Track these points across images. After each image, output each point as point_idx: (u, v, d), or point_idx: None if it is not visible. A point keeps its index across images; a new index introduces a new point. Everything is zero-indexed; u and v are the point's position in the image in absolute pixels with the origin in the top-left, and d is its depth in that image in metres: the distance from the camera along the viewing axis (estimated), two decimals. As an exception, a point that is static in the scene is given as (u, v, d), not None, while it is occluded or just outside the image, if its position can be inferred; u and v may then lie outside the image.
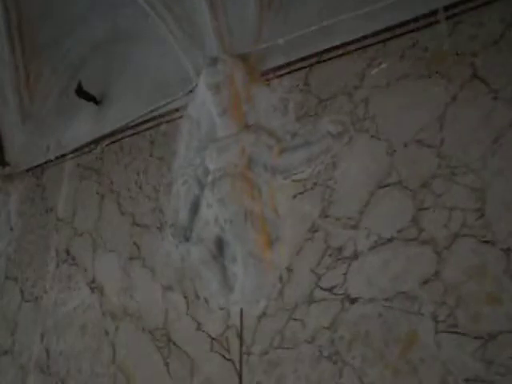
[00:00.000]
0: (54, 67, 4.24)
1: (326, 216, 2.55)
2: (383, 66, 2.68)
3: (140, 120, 3.58)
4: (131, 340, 2.96)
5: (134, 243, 3.20)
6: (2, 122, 4.33)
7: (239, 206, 2.71)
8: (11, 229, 3.99)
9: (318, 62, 2.90)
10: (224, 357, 2.60)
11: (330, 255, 2.47)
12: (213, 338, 2.67)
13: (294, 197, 2.69)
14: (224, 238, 2.77)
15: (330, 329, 2.34)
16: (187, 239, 2.96)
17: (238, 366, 2.53)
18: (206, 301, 2.77)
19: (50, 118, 4.23)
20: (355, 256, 2.40)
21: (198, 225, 2.92)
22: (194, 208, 3.00)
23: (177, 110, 3.38)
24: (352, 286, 2.36)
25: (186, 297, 2.85)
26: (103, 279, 3.26)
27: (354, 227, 2.44)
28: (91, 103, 3.91)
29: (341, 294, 2.38)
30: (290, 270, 2.57)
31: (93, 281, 3.31)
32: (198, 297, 2.81)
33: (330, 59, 2.88)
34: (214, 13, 3.19)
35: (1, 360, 3.59)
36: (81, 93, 3.83)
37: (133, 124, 3.59)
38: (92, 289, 3.28)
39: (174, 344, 2.79)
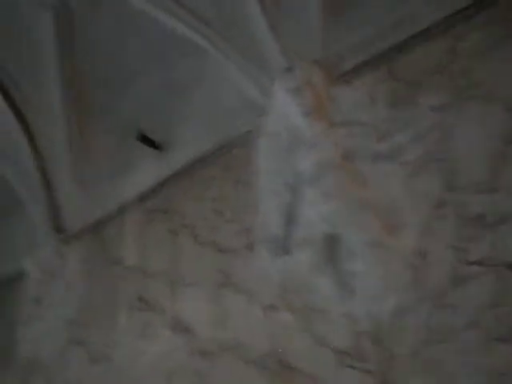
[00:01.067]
0: (107, 124, 4.17)
1: (453, 188, 2.26)
2: (475, 36, 2.57)
3: (208, 152, 3.41)
4: (232, 375, 2.48)
5: (221, 271, 2.85)
6: (56, 186, 4.17)
7: (349, 195, 2.43)
8: (73, 291, 3.63)
9: (401, 51, 2.80)
10: (360, 369, 2.13)
11: (470, 225, 2.12)
12: (341, 352, 2.21)
13: (409, 178, 2.41)
14: (335, 233, 2.43)
15: (492, 306, 1.93)
16: (286, 251, 2.61)
17: (381, 376, 2.06)
18: (323, 311, 2.35)
19: (105, 175, 4.07)
20: (501, 220, 2.06)
21: (300, 231, 2.60)
22: (289, 217, 2.70)
23: (247, 132, 3.22)
24: (508, 252, 1.99)
25: (294, 312, 2.44)
26: (187, 317, 2.85)
27: (491, 190, 2.14)
28: (150, 151, 3.78)
29: (494, 264, 2.00)
30: (422, 252, 2.20)
31: (175, 322, 2.89)
32: (311, 309, 2.40)
33: (412, 45, 2.77)
34: (275, 32, 3.18)
35: None
36: (143, 140, 3.71)
37: (200, 157, 3.41)
38: (174, 330, 2.86)
39: (290, 367, 2.32)
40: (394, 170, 2.47)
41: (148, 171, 3.76)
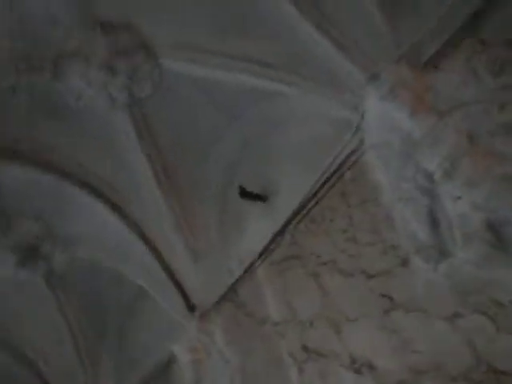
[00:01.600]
0: (203, 192, 4.25)
1: None
2: None
3: (316, 187, 3.36)
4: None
5: (381, 295, 2.73)
6: (176, 270, 4.25)
7: (493, 174, 2.29)
8: (229, 363, 3.61)
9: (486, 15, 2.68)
10: None
11: None
12: None
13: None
14: (498, 217, 2.28)
15: None
16: (447, 254, 2.48)
17: None
18: (515, 302, 2.18)
19: (219, 242, 4.10)
20: None
21: (455, 230, 2.45)
22: (432, 220, 2.57)
23: (352, 152, 3.16)
24: None
25: (485, 313, 2.27)
26: (365, 352, 2.73)
27: None
28: (256, 204, 3.78)
29: None
30: None
31: (353, 361, 2.78)
32: (500, 304, 2.23)
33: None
34: (347, 54, 3.15)
35: None
36: (245, 195, 3.73)
37: (312, 194, 3.37)
38: (357, 370, 2.74)
39: (497, 372, 2.14)
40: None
41: (261, 224, 3.75)
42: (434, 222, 2.57)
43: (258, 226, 3.79)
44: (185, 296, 4.21)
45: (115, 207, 4.27)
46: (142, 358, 4.93)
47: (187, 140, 4.20)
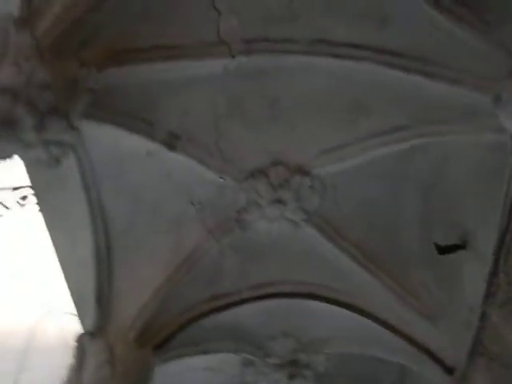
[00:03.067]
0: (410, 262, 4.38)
1: None
2: None
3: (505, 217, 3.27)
4: None
5: None
6: (421, 340, 4.35)
7: None
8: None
9: None
10: None
11: None
12: None
13: None
14: None
15: None
16: None
17: None
18: None
19: (444, 299, 4.11)
20: None
21: None
22: None
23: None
24: None
25: None
26: None
27: None
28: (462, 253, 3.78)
29: None
30: None
31: None
32: None
33: None
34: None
35: None
36: (444, 251, 3.77)
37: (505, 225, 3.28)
38: None
39: None
40: None
41: (474, 268, 3.70)
42: None
43: (472, 271, 3.73)
44: (438, 361, 4.24)
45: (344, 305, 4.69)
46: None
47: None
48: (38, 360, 6.37)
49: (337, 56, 3.55)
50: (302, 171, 4.10)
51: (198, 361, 4.83)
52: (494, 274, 3.48)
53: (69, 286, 4.00)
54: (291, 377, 5.15)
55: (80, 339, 3.68)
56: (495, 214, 3.38)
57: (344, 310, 4.68)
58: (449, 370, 4.16)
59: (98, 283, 3.90)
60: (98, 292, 3.88)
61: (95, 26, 2.93)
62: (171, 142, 3.64)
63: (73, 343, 5.35)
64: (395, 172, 4.16)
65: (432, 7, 3.01)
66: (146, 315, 3.97)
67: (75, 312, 4.23)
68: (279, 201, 4.13)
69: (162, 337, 4.07)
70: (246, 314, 4.69)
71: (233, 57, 3.52)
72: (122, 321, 3.82)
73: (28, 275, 6.59)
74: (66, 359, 6.21)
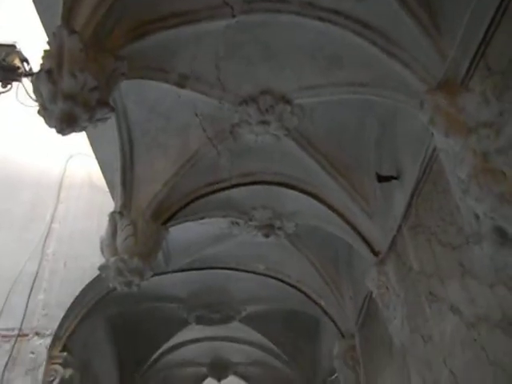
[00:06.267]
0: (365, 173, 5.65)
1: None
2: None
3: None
4: None
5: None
6: (359, 226, 5.88)
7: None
8: (398, 295, 5.16)
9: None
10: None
11: None
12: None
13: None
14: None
15: None
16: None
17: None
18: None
19: (383, 207, 5.49)
20: None
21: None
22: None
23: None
24: None
25: None
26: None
27: None
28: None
29: None
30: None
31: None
32: None
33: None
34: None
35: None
36: (381, 179, 5.02)
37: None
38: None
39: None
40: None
41: (400, 196, 5.00)
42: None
43: (399, 195, 5.04)
44: (369, 244, 5.83)
45: (309, 194, 6.13)
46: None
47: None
48: (71, 194, 8.06)
49: (320, 18, 4.30)
50: (285, 100, 5.09)
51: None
52: (409, 204, 4.80)
53: (103, 173, 5.42)
54: (267, 235, 6.88)
55: (112, 216, 5.17)
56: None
57: (309, 197, 6.12)
58: (375, 253, 5.77)
59: (123, 173, 5.26)
60: (123, 179, 5.27)
61: (120, 10, 3.73)
62: (181, 82, 4.62)
63: (98, 184, 7.00)
64: (360, 104, 5.18)
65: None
66: (159, 198, 5.43)
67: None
68: (265, 122, 5.22)
69: (170, 213, 5.59)
70: (234, 193, 6.16)
71: (234, 16, 4.30)
72: (141, 203, 5.29)
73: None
74: (93, 196, 7.91)
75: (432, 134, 3.94)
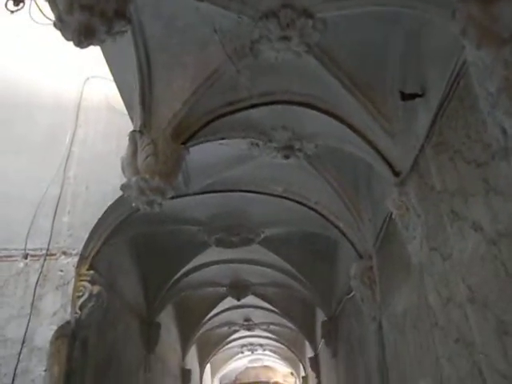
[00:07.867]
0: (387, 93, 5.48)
1: None
2: None
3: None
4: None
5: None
6: (380, 147, 5.80)
7: None
8: (419, 216, 5.17)
9: None
10: None
11: None
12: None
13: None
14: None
15: None
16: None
17: None
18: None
19: (405, 126, 5.38)
20: None
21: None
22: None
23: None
24: None
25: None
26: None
27: None
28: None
29: None
30: None
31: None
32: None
33: None
34: None
35: None
36: (405, 97, 4.87)
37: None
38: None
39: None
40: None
41: (424, 114, 4.87)
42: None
43: (423, 114, 4.92)
44: (389, 165, 5.78)
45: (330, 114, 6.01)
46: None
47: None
48: (89, 117, 8.03)
49: None
50: (307, 14, 4.86)
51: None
52: (433, 122, 4.68)
53: (121, 94, 5.34)
54: (286, 157, 6.85)
55: (132, 135, 5.16)
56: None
57: (330, 118, 6.01)
58: (396, 173, 5.73)
59: (142, 92, 5.19)
60: (142, 98, 5.21)
61: None
62: (198, -6, 4.43)
63: (116, 106, 6.98)
64: (386, 18, 4.93)
65: None
66: (178, 118, 5.36)
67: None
68: (286, 37, 5.02)
69: (190, 132, 5.53)
70: (254, 113, 6.07)
71: None
72: (160, 122, 5.24)
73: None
74: (111, 119, 7.89)
75: (462, 46, 3.77)
